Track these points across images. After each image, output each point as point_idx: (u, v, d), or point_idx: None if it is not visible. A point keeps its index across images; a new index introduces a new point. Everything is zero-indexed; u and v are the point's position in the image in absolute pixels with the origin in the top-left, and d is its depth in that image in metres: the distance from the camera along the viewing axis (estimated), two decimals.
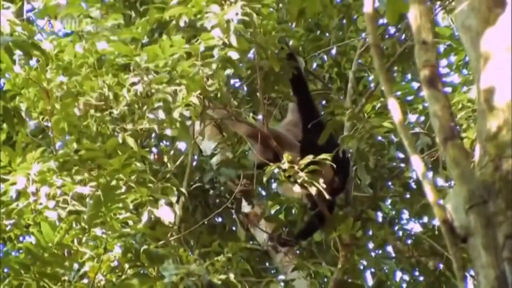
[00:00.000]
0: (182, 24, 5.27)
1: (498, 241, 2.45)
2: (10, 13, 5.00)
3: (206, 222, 6.27)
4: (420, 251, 6.83)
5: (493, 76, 2.65)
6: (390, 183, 6.66)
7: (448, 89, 6.45)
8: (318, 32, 7.54)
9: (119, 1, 6.37)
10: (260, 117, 6.37)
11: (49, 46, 5.15)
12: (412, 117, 6.65)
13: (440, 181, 6.38)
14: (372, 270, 7.00)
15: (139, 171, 4.93)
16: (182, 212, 5.75)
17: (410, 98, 6.85)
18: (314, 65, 7.65)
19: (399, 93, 6.83)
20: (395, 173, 6.50)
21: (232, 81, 6.09)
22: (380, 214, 6.98)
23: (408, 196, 6.63)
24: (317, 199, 5.96)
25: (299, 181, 5.57)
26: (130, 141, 4.99)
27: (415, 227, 7.14)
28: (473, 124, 5.80)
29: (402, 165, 6.47)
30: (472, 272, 4.17)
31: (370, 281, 7.02)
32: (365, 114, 6.12)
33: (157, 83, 5.03)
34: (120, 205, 4.55)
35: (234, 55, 5.09)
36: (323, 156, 5.53)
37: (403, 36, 6.93)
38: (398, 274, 7.13)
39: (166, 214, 5.01)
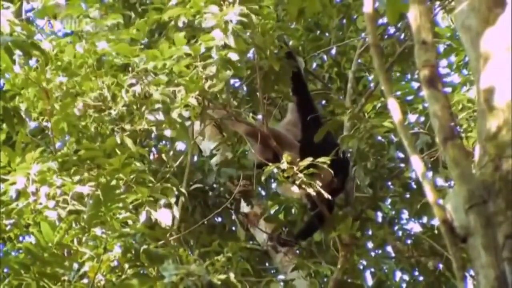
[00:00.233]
0: (180, 24, 5.27)
1: (498, 241, 2.44)
2: (10, 13, 5.00)
3: (205, 222, 6.27)
4: (420, 251, 6.83)
5: (493, 76, 2.65)
6: (390, 183, 6.67)
7: (448, 89, 6.45)
8: (318, 32, 7.54)
9: (119, 1, 6.38)
10: (260, 117, 6.37)
11: (48, 46, 5.15)
12: (412, 117, 6.66)
13: (440, 181, 6.39)
14: (372, 270, 7.00)
15: (139, 171, 4.93)
16: (182, 212, 5.75)
17: (410, 98, 6.84)
18: (314, 65, 7.66)
19: (399, 93, 6.83)
20: (395, 173, 6.50)
21: (232, 81, 6.09)
22: (380, 214, 6.98)
23: (408, 196, 6.63)
24: (317, 199, 5.96)
25: (297, 182, 5.57)
26: (128, 142, 5.00)
27: (415, 227, 7.15)
28: (473, 124, 5.80)
29: (402, 165, 6.47)
30: (472, 272, 4.17)
31: (369, 281, 7.03)
32: (365, 114, 6.12)
33: (155, 84, 5.03)
34: (120, 205, 4.55)
35: (233, 56, 5.09)
36: (322, 159, 5.53)
37: (403, 36, 6.93)
38: (398, 274, 7.14)
39: (164, 216, 5.01)
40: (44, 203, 4.69)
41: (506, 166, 2.53)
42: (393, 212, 7.02)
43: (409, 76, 7.67)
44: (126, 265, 4.51)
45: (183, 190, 5.50)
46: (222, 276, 4.13)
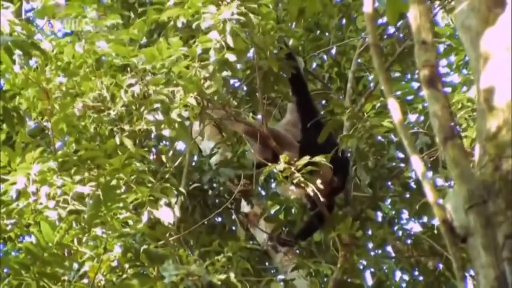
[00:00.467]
0: (179, 25, 5.28)
1: (498, 241, 2.45)
2: (10, 13, 4.99)
3: (205, 222, 6.26)
4: (420, 251, 6.83)
5: (493, 76, 2.65)
6: (389, 183, 6.67)
7: (448, 89, 6.45)
8: (318, 32, 7.54)
9: (117, 2, 6.38)
10: (259, 117, 6.37)
11: (48, 46, 5.15)
12: (412, 117, 6.66)
13: (440, 181, 6.39)
14: (372, 269, 7.00)
15: (139, 171, 4.93)
16: (182, 212, 5.75)
17: (409, 97, 6.84)
18: (314, 65, 7.66)
19: (399, 92, 6.83)
20: (395, 173, 6.49)
21: (231, 81, 6.09)
22: (379, 214, 6.98)
23: (407, 196, 6.63)
24: (316, 199, 5.95)
25: (295, 181, 5.57)
26: (128, 142, 4.99)
27: (415, 227, 7.15)
28: (472, 123, 5.80)
29: (402, 164, 6.47)
30: (471, 272, 4.17)
31: (369, 281, 7.03)
32: (365, 114, 6.12)
33: (154, 84, 5.03)
34: (121, 205, 4.55)
35: (231, 57, 5.09)
36: (321, 156, 5.53)
37: (403, 36, 6.93)
38: (398, 274, 7.13)
39: (166, 214, 5.01)
40: (45, 203, 4.69)
41: (506, 166, 2.53)
42: (393, 212, 7.02)
43: (409, 76, 7.67)
44: (126, 265, 4.51)
45: (182, 190, 5.50)
46: (222, 276, 4.13)
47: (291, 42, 7.11)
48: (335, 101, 7.22)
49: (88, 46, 5.16)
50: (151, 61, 5.06)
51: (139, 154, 5.05)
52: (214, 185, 6.43)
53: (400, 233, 7.00)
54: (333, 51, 7.59)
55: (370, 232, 6.80)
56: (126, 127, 5.06)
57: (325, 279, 6.92)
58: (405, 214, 7.02)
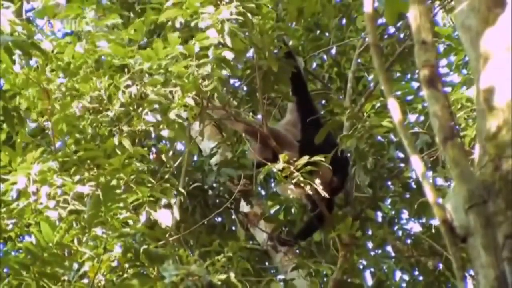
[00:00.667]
0: (178, 25, 5.28)
1: (498, 241, 2.45)
2: (10, 13, 4.99)
3: (205, 222, 6.27)
4: (420, 251, 6.84)
5: (493, 76, 2.65)
6: (389, 183, 6.67)
7: (448, 89, 6.45)
8: (318, 32, 7.54)
9: (117, 2, 6.38)
10: (259, 116, 6.37)
11: (49, 46, 5.15)
12: (412, 117, 6.66)
13: (440, 181, 6.39)
14: (372, 269, 7.00)
15: (139, 171, 4.93)
16: (182, 212, 5.75)
17: (409, 97, 6.85)
18: (314, 65, 7.66)
19: (398, 92, 6.83)
20: (395, 173, 6.50)
21: (231, 81, 6.09)
22: (379, 214, 6.98)
23: (407, 196, 6.64)
24: (316, 199, 5.96)
25: (294, 181, 5.57)
26: (126, 143, 4.99)
27: (415, 227, 7.15)
28: (471, 123, 5.80)
29: (402, 164, 6.48)
30: (471, 272, 4.17)
31: (369, 280, 7.03)
32: (365, 114, 6.12)
33: (152, 84, 5.03)
34: (121, 205, 4.55)
35: (229, 55, 5.09)
36: (320, 156, 5.53)
37: (403, 36, 6.93)
38: (398, 274, 7.14)
39: (164, 216, 5.01)
40: (45, 203, 4.69)
41: (506, 166, 2.53)
42: (393, 212, 7.02)
43: (409, 76, 7.67)
44: (126, 265, 4.51)
45: (181, 190, 5.50)
46: (223, 276, 4.13)
47: (291, 42, 7.11)
48: (335, 101, 7.23)
49: (89, 46, 5.16)
50: (148, 62, 5.06)
51: (139, 154, 5.05)
52: (214, 185, 6.43)
53: (400, 233, 7.00)
54: (333, 51, 7.60)
55: (370, 232, 6.80)
56: (125, 128, 5.06)
57: (325, 279, 6.92)
58: (405, 214, 7.03)
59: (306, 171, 5.52)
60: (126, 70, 5.10)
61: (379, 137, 6.15)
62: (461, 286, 2.54)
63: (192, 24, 5.22)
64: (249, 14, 5.17)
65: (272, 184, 7.45)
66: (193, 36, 5.22)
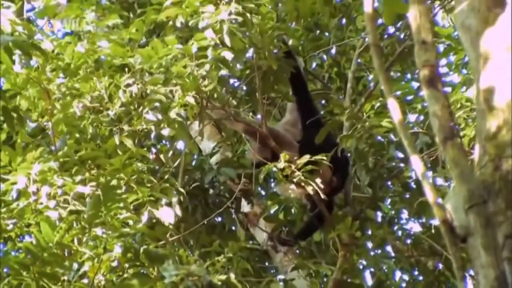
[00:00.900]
0: (178, 24, 5.28)
1: (498, 241, 2.45)
2: (11, 13, 4.99)
3: (205, 222, 6.27)
4: (420, 251, 6.84)
5: (493, 76, 2.65)
6: (389, 183, 6.67)
7: (448, 89, 6.45)
8: (318, 31, 7.54)
9: (116, 2, 6.38)
10: (259, 116, 6.37)
11: (49, 45, 5.15)
12: (412, 117, 6.66)
13: (440, 181, 6.39)
14: (372, 269, 7.00)
15: (139, 171, 4.93)
16: (182, 212, 5.75)
17: (409, 97, 6.84)
18: (314, 64, 7.66)
19: (398, 92, 6.83)
20: (395, 173, 6.50)
21: (231, 81, 6.09)
22: (379, 214, 6.98)
23: (407, 195, 6.63)
24: (316, 199, 5.95)
25: (295, 180, 5.57)
26: (128, 142, 5.00)
27: (415, 227, 7.15)
28: (471, 122, 5.80)
29: (402, 164, 6.47)
30: (471, 272, 4.17)
31: (369, 280, 7.03)
32: (364, 114, 6.12)
33: (152, 84, 5.03)
34: (121, 204, 4.55)
35: (228, 55, 5.09)
36: (320, 155, 5.53)
37: (403, 36, 6.93)
38: (398, 274, 7.13)
39: (166, 214, 5.01)
40: (45, 203, 4.69)
41: (506, 166, 2.53)
42: (393, 212, 7.02)
43: (409, 75, 7.67)
44: (126, 265, 4.51)
45: (181, 189, 5.50)
46: (223, 277, 4.13)
47: (290, 42, 7.11)
48: (335, 101, 7.23)
49: (89, 46, 5.16)
50: (148, 61, 5.06)
51: (139, 154, 5.05)
52: (215, 184, 6.43)
53: (400, 233, 7.00)
54: (333, 51, 7.59)
55: (370, 232, 6.80)
56: (125, 127, 5.06)
57: (325, 279, 6.92)
58: (405, 214, 7.03)
59: (307, 171, 5.52)
60: (126, 69, 5.10)
61: (379, 137, 6.15)
62: (461, 286, 2.54)
63: (191, 23, 5.22)
64: (248, 14, 5.17)
65: (272, 184, 7.45)
66: (193, 36, 5.22)
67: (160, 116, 5.01)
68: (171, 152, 6.58)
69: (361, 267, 6.92)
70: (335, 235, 6.07)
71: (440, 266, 6.80)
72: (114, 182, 4.75)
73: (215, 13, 5.11)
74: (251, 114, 6.61)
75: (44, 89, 5.11)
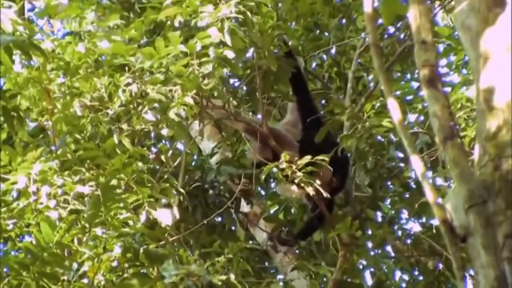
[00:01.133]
0: (177, 24, 5.28)
1: (498, 241, 2.45)
2: (12, 12, 4.98)
3: (205, 222, 6.27)
4: (420, 251, 6.83)
5: (492, 76, 2.65)
6: (389, 183, 6.67)
7: (448, 89, 6.45)
8: (318, 31, 7.54)
9: (117, 2, 6.38)
10: (259, 116, 6.37)
11: (50, 45, 5.15)
12: (412, 117, 6.66)
13: (440, 181, 6.39)
14: (372, 269, 7.00)
15: (139, 171, 4.93)
16: (182, 212, 5.75)
17: (409, 97, 6.84)
18: (314, 64, 7.65)
19: (398, 92, 6.83)
20: (395, 173, 6.50)
21: (231, 81, 6.09)
22: (379, 214, 6.98)
23: (407, 195, 6.64)
24: (316, 199, 5.95)
25: (296, 181, 5.57)
26: (126, 142, 4.99)
27: (415, 227, 7.15)
28: (471, 123, 5.80)
29: (402, 164, 6.48)
30: (471, 272, 4.17)
31: (369, 280, 7.03)
32: (365, 114, 6.12)
33: (152, 83, 5.03)
34: (121, 204, 4.55)
35: (230, 54, 5.09)
36: (321, 156, 5.53)
37: (403, 36, 6.93)
38: (398, 274, 7.13)
39: (164, 216, 5.01)
40: (45, 202, 4.69)
41: (506, 166, 2.53)
42: (393, 212, 7.02)
43: (408, 75, 7.67)
44: (126, 265, 4.51)
45: (181, 190, 5.50)
46: (223, 277, 4.13)
47: (290, 42, 7.11)
48: (335, 101, 7.22)
49: (90, 46, 5.16)
50: (149, 60, 5.06)
51: (139, 154, 5.05)
52: (215, 184, 6.43)
53: (400, 233, 7.00)
54: (333, 51, 7.59)
55: (370, 232, 6.80)
56: (125, 127, 5.06)
57: (325, 279, 6.92)
58: (405, 214, 7.03)
59: (307, 171, 5.52)
60: (126, 68, 5.10)
61: (379, 137, 6.15)
62: (461, 286, 2.54)
63: (192, 23, 5.23)
64: (248, 13, 5.17)
65: (272, 184, 7.45)
66: (193, 36, 5.22)
67: (158, 116, 5.01)
68: (171, 152, 6.58)
69: (361, 267, 6.92)
70: (335, 235, 6.07)
71: (440, 266, 6.80)
72: (114, 182, 4.75)
73: (215, 11, 5.10)
74: (251, 114, 6.61)
75: (44, 88, 5.11)
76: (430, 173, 6.25)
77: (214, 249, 5.78)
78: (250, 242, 6.75)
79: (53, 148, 5.30)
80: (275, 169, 5.57)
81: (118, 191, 4.62)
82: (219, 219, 6.68)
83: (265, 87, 5.75)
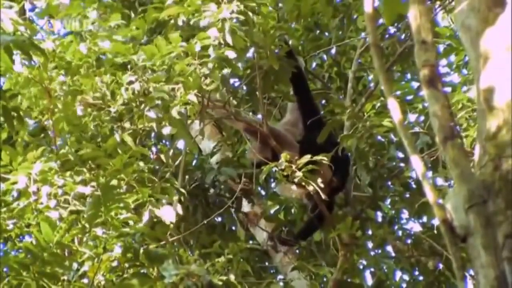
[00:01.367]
0: (180, 23, 5.28)
1: (498, 241, 2.45)
2: (13, 12, 4.98)
3: (206, 222, 6.27)
4: (420, 251, 6.83)
5: (493, 76, 2.65)
6: (389, 183, 6.67)
7: (448, 89, 6.45)
8: (318, 31, 7.54)
9: (118, 1, 6.38)
10: (259, 116, 6.37)
11: (51, 45, 5.15)
12: (412, 117, 6.66)
13: (440, 181, 6.38)
14: (372, 269, 6.99)
15: (140, 171, 4.93)
16: (183, 211, 5.75)
17: (409, 97, 6.84)
18: (314, 64, 7.66)
19: (398, 92, 6.83)
20: (395, 173, 6.50)
21: (231, 81, 6.09)
22: (379, 214, 6.98)
23: (407, 195, 6.63)
24: (316, 199, 5.95)
25: (296, 180, 5.57)
26: (129, 140, 4.99)
27: (415, 227, 7.15)
28: (473, 123, 5.80)
29: (402, 164, 6.47)
30: (471, 272, 4.17)
31: (369, 280, 7.03)
32: (365, 114, 6.12)
33: (154, 81, 5.03)
34: (121, 204, 4.55)
35: (231, 54, 5.09)
36: (321, 155, 5.53)
37: (403, 36, 6.93)
38: (398, 274, 7.13)
39: (168, 213, 5.00)
40: (45, 202, 4.69)
41: (506, 166, 2.53)
42: (393, 212, 7.02)
43: (409, 75, 7.67)
44: (126, 265, 4.51)
45: (181, 190, 5.50)
46: (223, 277, 4.13)
47: (290, 42, 7.11)
48: (335, 101, 7.22)
49: (91, 46, 5.16)
50: (151, 58, 5.06)
51: (140, 153, 5.05)
52: (215, 184, 6.43)
53: (400, 233, 7.00)
54: (333, 51, 7.59)
55: (370, 232, 6.80)
56: (127, 125, 5.06)
57: (325, 279, 6.92)
58: (405, 214, 7.02)
59: (307, 171, 5.52)
60: (129, 66, 5.10)
61: (379, 137, 6.15)
62: (461, 286, 2.54)
63: (192, 22, 5.23)
64: (250, 13, 5.17)
65: (273, 184, 7.45)
66: (194, 35, 5.22)
67: (160, 114, 5.01)
68: (171, 152, 6.58)
69: (361, 267, 6.92)
70: (335, 235, 6.07)
71: (441, 266, 6.80)
72: (114, 182, 4.75)
73: (217, 11, 5.11)
74: (251, 113, 6.61)
75: (45, 88, 5.11)
76: (430, 173, 6.25)
77: (214, 249, 5.78)
78: (250, 242, 6.75)
79: (53, 147, 5.30)
80: (275, 169, 5.57)
81: (119, 191, 4.62)
82: (219, 219, 6.68)
83: (266, 87, 5.75)
